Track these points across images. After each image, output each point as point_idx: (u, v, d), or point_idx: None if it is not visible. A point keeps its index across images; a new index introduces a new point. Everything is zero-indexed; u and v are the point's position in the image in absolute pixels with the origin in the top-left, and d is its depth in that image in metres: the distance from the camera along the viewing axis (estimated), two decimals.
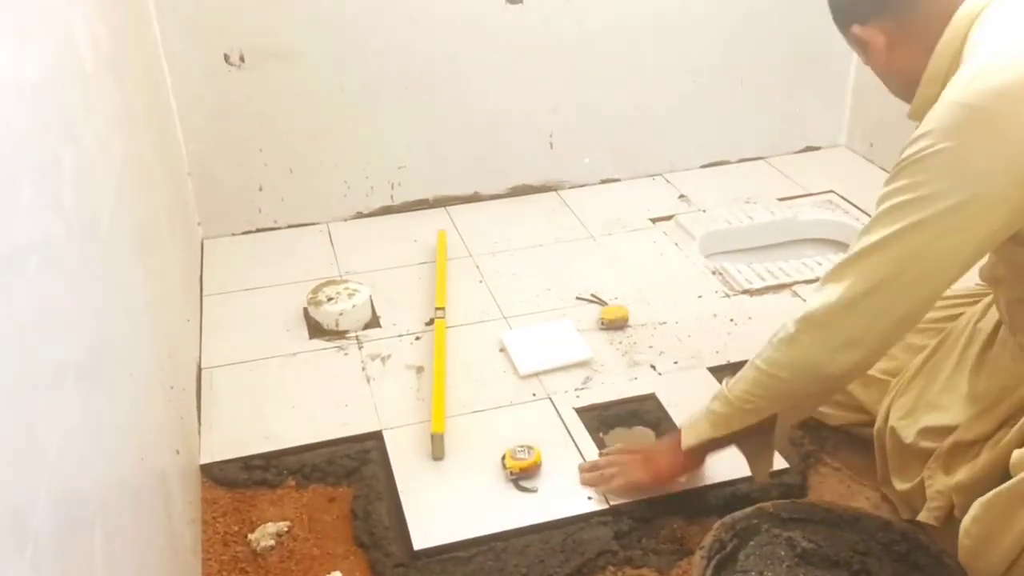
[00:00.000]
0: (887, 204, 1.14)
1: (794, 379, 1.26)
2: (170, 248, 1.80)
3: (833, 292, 1.18)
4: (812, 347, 1.22)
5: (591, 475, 1.56)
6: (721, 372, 1.84)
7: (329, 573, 1.45)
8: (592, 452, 1.64)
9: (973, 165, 1.08)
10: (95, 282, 1.10)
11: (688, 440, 1.43)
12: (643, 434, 1.71)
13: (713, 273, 2.19)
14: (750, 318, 2.00)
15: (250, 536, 1.51)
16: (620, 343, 1.94)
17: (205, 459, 1.65)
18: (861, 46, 1.28)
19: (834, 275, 1.20)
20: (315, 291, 2.03)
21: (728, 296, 2.09)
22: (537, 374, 1.83)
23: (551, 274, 2.20)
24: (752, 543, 1.24)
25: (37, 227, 0.88)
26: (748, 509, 1.27)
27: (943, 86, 1.15)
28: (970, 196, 1.08)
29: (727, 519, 1.26)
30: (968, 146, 1.08)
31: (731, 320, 2.00)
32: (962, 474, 1.26)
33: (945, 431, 1.33)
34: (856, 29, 1.27)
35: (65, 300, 0.94)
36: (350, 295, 2.01)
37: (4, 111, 0.83)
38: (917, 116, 1.20)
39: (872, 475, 1.52)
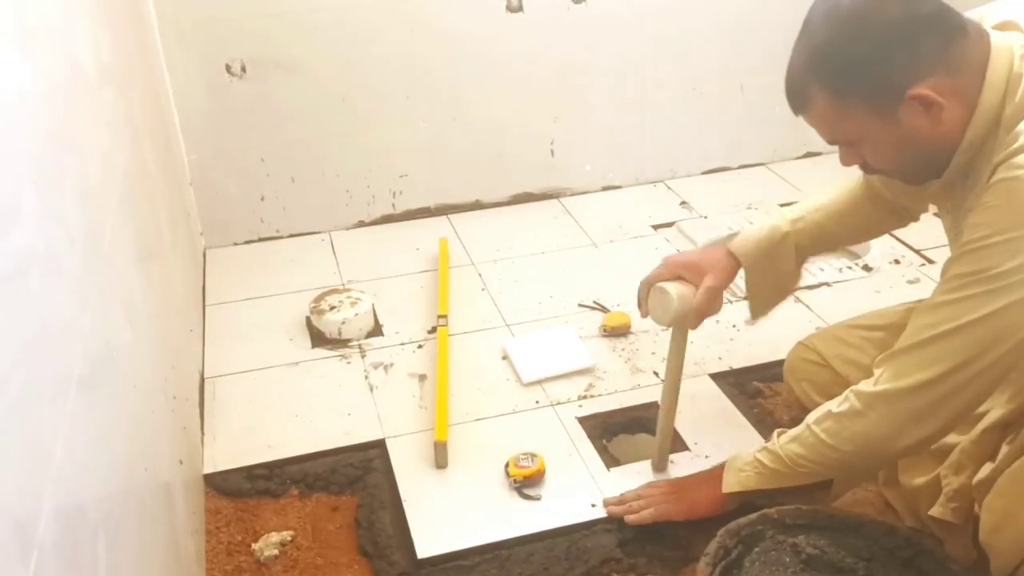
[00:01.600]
0: (965, 287, 1.09)
1: (856, 453, 1.21)
2: (172, 258, 1.80)
3: (908, 371, 1.14)
4: (881, 424, 1.18)
5: (618, 508, 1.50)
6: (724, 378, 1.84)
7: None
8: (595, 459, 1.64)
9: None
10: (98, 293, 1.10)
11: (731, 486, 1.39)
12: (646, 441, 1.71)
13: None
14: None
15: (254, 546, 1.51)
16: (623, 350, 1.94)
17: (208, 469, 1.65)
18: (924, 108, 1.10)
19: (909, 355, 1.15)
20: (317, 300, 2.04)
21: (730, 302, 2.08)
22: (540, 382, 1.83)
23: (553, 281, 2.20)
24: (757, 549, 1.23)
25: (40, 238, 0.88)
26: (752, 515, 1.27)
27: (979, 151, 1.10)
28: None
29: (731, 525, 1.25)
30: None
31: (733, 326, 2.00)
32: (984, 471, 1.22)
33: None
34: (920, 88, 1.09)
35: (68, 311, 0.94)
36: (352, 304, 2.01)
37: (6, 122, 0.83)
38: (940, 184, 1.17)
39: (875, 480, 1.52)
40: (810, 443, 1.25)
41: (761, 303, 1.59)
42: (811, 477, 1.29)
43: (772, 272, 1.52)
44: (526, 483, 1.57)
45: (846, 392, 1.23)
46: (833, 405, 1.24)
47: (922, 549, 1.21)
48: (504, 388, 1.83)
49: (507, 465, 1.59)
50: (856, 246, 2.19)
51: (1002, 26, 1.14)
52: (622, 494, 1.54)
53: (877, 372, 1.19)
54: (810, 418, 1.28)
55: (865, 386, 1.19)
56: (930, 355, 1.12)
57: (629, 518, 1.48)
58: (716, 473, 1.44)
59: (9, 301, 0.75)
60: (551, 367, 1.86)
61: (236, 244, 2.42)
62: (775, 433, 1.37)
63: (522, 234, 2.42)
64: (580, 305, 2.10)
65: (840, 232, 1.54)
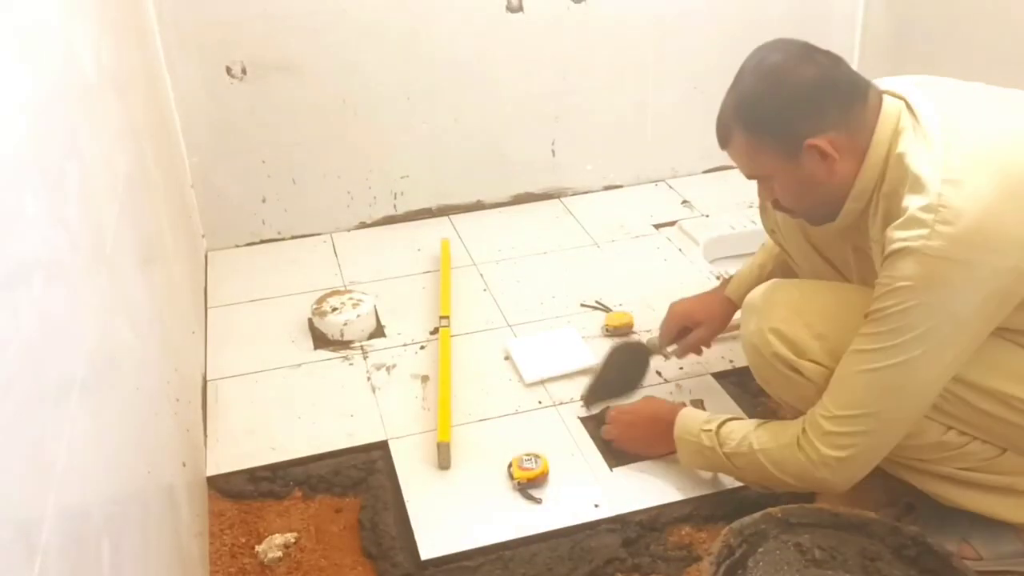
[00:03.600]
0: (871, 348, 1.24)
1: (796, 482, 1.37)
2: (174, 261, 1.80)
3: (843, 433, 1.29)
4: (833, 476, 1.32)
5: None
6: (727, 377, 1.84)
7: None
8: (598, 459, 1.64)
9: (950, 309, 1.19)
10: (100, 296, 1.10)
11: (686, 463, 1.56)
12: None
13: (717, 278, 2.19)
14: None
15: (257, 548, 1.51)
16: None
17: (212, 471, 1.65)
18: (820, 157, 1.26)
19: (826, 437, 1.30)
20: (319, 301, 2.04)
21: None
22: (542, 382, 1.83)
23: (555, 281, 2.20)
24: (761, 549, 1.23)
25: (42, 242, 0.88)
26: (756, 515, 1.27)
27: (869, 201, 1.28)
28: (950, 333, 1.20)
29: (735, 525, 1.25)
30: (946, 295, 1.18)
31: (736, 325, 1.99)
32: None
33: None
34: (818, 140, 1.25)
35: (70, 314, 0.94)
36: (354, 305, 2.01)
37: (7, 126, 0.83)
38: (839, 228, 1.36)
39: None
40: (754, 465, 1.40)
41: None
42: (742, 479, 1.48)
43: None
44: (530, 485, 1.57)
45: (794, 435, 1.35)
46: (788, 453, 1.35)
47: (927, 548, 1.21)
48: (507, 388, 1.83)
49: (510, 467, 1.59)
50: None
51: (893, 95, 1.30)
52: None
53: (818, 424, 1.32)
54: (756, 443, 1.40)
55: (812, 438, 1.32)
56: (862, 417, 1.27)
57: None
58: (668, 430, 1.55)
59: (11, 305, 0.75)
60: (553, 367, 1.86)
61: (238, 246, 2.42)
62: (718, 421, 1.48)
63: (524, 234, 2.42)
64: (582, 305, 2.10)
65: None
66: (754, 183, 1.41)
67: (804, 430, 1.33)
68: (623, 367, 1.81)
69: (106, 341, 1.09)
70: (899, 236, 1.19)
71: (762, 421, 1.45)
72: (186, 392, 1.64)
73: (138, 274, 1.37)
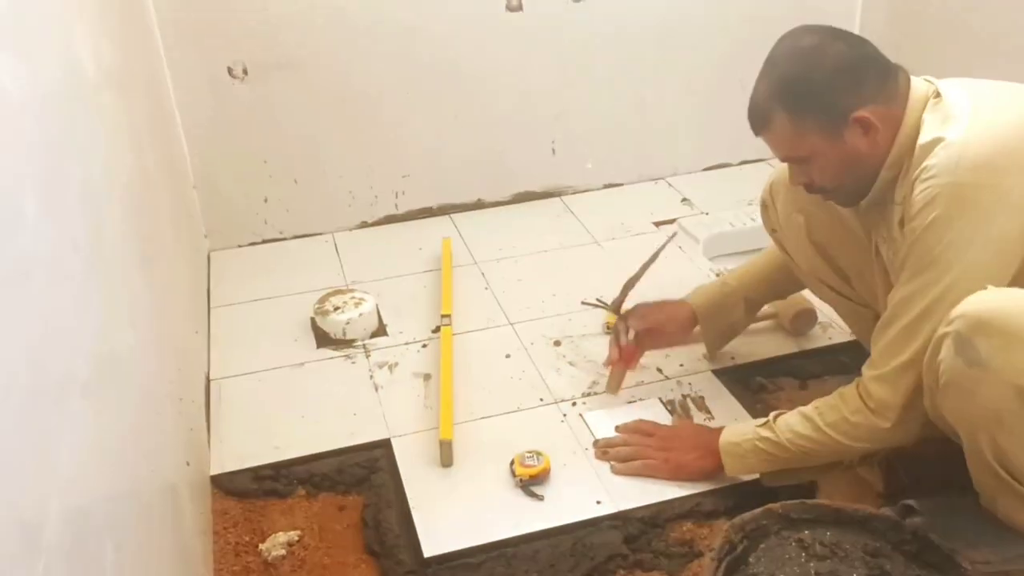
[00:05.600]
0: (911, 293, 1.27)
1: (867, 445, 1.37)
2: (176, 261, 1.81)
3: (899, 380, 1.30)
4: (897, 430, 1.33)
5: (604, 455, 1.63)
6: (727, 374, 1.84)
7: None
8: (594, 453, 1.64)
9: (985, 233, 1.22)
10: (102, 296, 1.10)
11: (736, 471, 1.52)
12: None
13: (717, 275, 2.18)
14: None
15: (261, 546, 1.52)
16: None
17: (215, 470, 1.66)
18: (864, 131, 1.30)
19: (885, 383, 1.32)
20: (322, 301, 2.04)
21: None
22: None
23: (556, 279, 2.20)
24: (763, 545, 1.24)
25: (43, 242, 0.88)
26: (757, 511, 1.27)
27: (899, 169, 1.30)
28: (987, 259, 1.22)
29: (736, 521, 1.26)
30: (978, 218, 1.21)
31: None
32: None
33: None
34: (864, 112, 1.29)
35: (72, 314, 0.95)
36: (356, 304, 2.02)
37: (8, 127, 0.84)
38: (868, 203, 1.39)
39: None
40: (824, 443, 1.38)
41: (713, 344, 1.86)
42: (809, 463, 1.45)
43: (722, 319, 1.81)
44: (532, 482, 1.58)
45: (853, 392, 1.36)
46: (846, 410, 1.36)
47: (928, 543, 1.21)
48: (508, 386, 1.84)
49: (512, 464, 1.60)
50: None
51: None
52: (610, 439, 1.65)
53: (874, 377, 1.33)
54: (819, 421, 1.39)
55: (872, 391, 1.33)
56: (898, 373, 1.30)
57: (617, 467, 1.60)
58: (710, 443, 1.53)
59: (13, 305, 0.76)
60: None
61: (240, 246, 2.42)
62: (772, 417, 1.46)
63: (524, 233, 2.42)
64: (583, 303, 2.10)
65: (783, 281, 1.78)
66: (752, 179, 1.43)
67: (865, 393, 1.34)
68: None
69: (108, 341, 1.09)
70: (925, 180, 1.23)
71: (813, 404, 1.43)
72: (189, 392, 1.64)
73: (140, 274, 1.38)
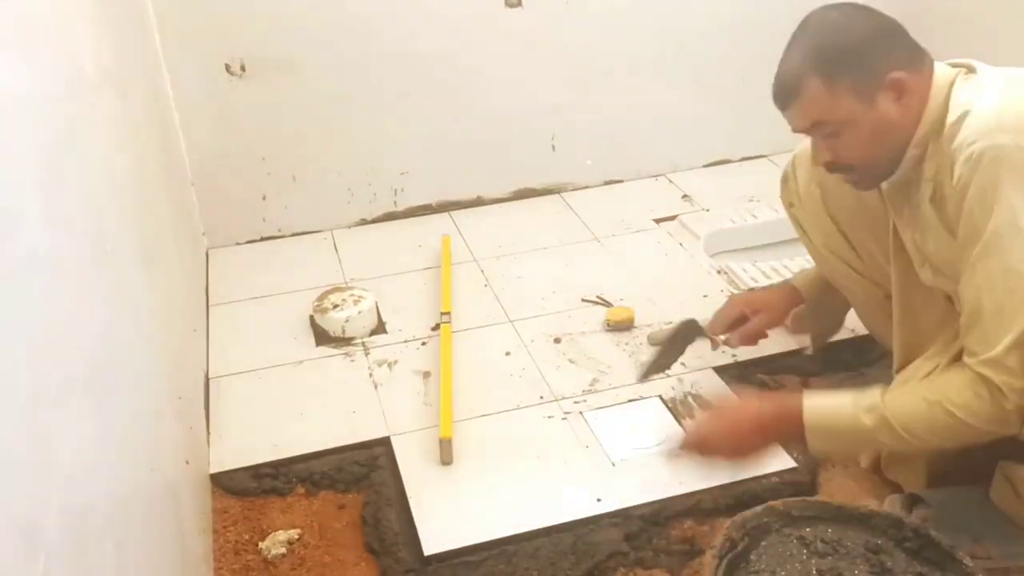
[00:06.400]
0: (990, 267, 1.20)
1: (982, 424, 1.23)
2: (175, 259, 1.81)
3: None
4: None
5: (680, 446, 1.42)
6: (728, 372, 1.84)
7: None
8: (600, 454, 1.64)
9: None
10: (101, 295, 1.10)
11: (819, 449, 1.37)
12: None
13: (718, 272, 2.19)
14: None
15: (261, 544, 1.52)
16: (626, 344, 1.94)
17: (215, 468, 1.65)
18: (897, 96, 1.27)
19: (1001, 368, 1.20)
20: (321, 298, 2.04)
21: (734, 295, 2.08)
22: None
23: (556, 276, 2.20)
24: (764, 543, 1.23)
25: (43, 240, 0.88)
26: (758, 508, 1.27)
27: (925, 147, 1.28)
28: None
29: (737, 518, 1.25)
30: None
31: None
32: None
33: None
34: (899, 73, 1.26)
35: (72, 314, 0.94)
36: (356, 302, 2.01)
37: (8, 126, 0.83)
38: (891, 184, 1.36)
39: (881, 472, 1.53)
40: (953, 427, 1.24)
41: (820, 331, 1.82)
42: (913, 447, 1.31)
43: (830, 303, 1.74)
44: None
45: (977, 383, 1.22)
46: (969, 394, 1.23)
47: (929, 541, 1.21)
48: (507, 384, 1.83)
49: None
50: None
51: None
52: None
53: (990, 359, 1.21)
54: (943, 397, 1.25)
55: (987, 375, 1.21)
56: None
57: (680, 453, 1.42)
58: (791, 419, 1.34)
59: (15, 304, 0.75)
60: (640, 443, 1.67)
61: (239, 244, 2.42)
62: (879, 394, 1.30)
63: (524, 230, 2.42)
64: (583, 300, 2.10)
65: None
66: (752, 175, 1.43)
67: (979, 379, 1.22)
68: (676, 343, 1.77)
69: (107, 340, 1.09)
70: (964, 150, 1.20)
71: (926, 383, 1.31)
72: (188, 390, 1.64)
73: (139, 273, 1.37)
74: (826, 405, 1.33)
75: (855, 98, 1.28)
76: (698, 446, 1.39)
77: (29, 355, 0.77)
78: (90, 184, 1.14)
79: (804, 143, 1.53)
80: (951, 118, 1.25)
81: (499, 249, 2.33)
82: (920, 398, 1.27)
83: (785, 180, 1.68)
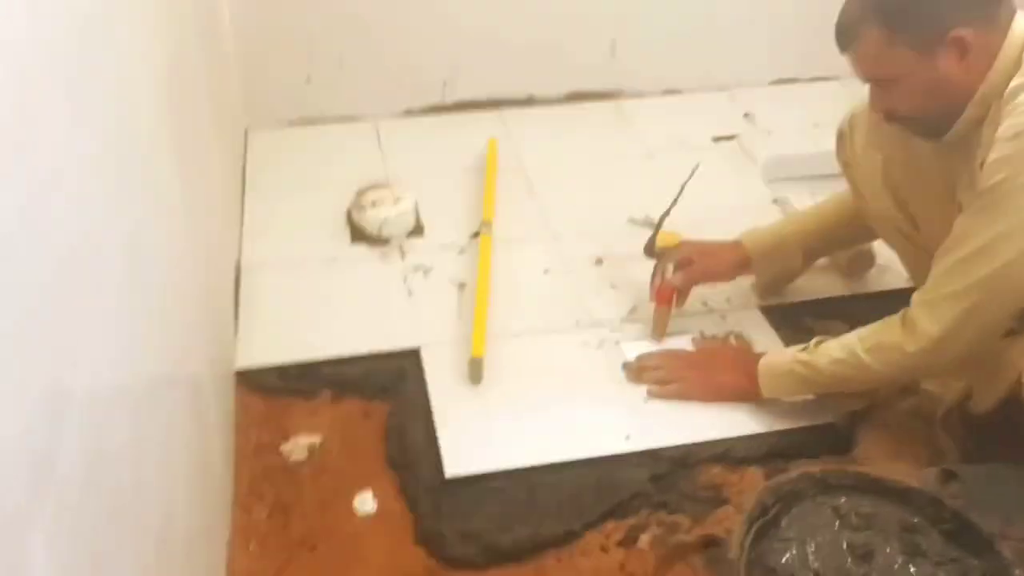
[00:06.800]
0: (980, 228, 1.23)
1: (903, 375, 1.41)
2: (212, 146, 1.74)
3: (943, 315, 1.28)
4: (927, 358, 1.33)
5: (639, 376, 1.59)
6: (774, 314, 1.77)
7: (360, 491, 1.44)
8: (632, 390, 1.59)
9: None
10: (136, 193, 1.04)
11: (772, 391, 1.50)
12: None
13: (773, 202, 2.09)
14: None
15: (282, 447, 1.50)
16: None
17: (241, 364, 1.63)
18: (959, 54, 1.22)
19: (928, 308, 1.29)
20: (360, 195, 1.97)
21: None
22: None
23: (604, 191, 2.11)
24: (796, 509, 1.19)
25: (74, 137, 0.82)
26: (793, 474, 1.23)
27: (987, 108, 1.22)
28: None
29: (772, 483, 1.21)
30: None
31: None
32: None
33: None
34: (963, 32, 1.21)
35: (104, 218, 0.89)
36: (395, 201, 1.95)
37: (38, 14, 0.76)
38: (949, 138, 1.31)
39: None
40: (857, 366, 1.37)
41: (765, 289, 1.79)
42: (842, 389, 1.46)
43: (777, 266, 1.74)
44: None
45: (897, 320, 1.34)
46: (884, 334, 1.35)
47: (968, 524, 1.16)
48: (544, 305, 1.78)
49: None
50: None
51: None
52: (639, 358, 1.61)
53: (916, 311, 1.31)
54: (857, 345, 1.37)
55: (914, 315, 1.31)
56: (941, 313, 1.27)
57: (653, 390, 1.57)
58: (748, 364, 1.52)
59: (44, 210, 0.70)
60: None
61: (279, 125, 2.34)
62: (813, 343, 1.45)
63: (575, 138, 2.32)
64: (630, 221, 2.01)
65: (848, 236, 1.74)
66: (822, 98, 1.40)
67: (906, 316, 1.33)
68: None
69: (139, 238, 1.04)
70: (1011, 116, 1.18)
71: (856, 330, 1.41)
72: (219, 282, 1.60)
73: (174, 163, 1.31)
74: (778, 351, 1.52)
75: (913, 52, 1.24)
76: (669, 361, 1.60)
77: (59, 267, 0.72)
78: (125, 74, 1.07)
79: (862, 100, 1.47)
80: (1016, 79, 1.20)
81: (547, 157, 2.24)
82: (841, 341, 1.39)
83: (841, 138, 1.60)
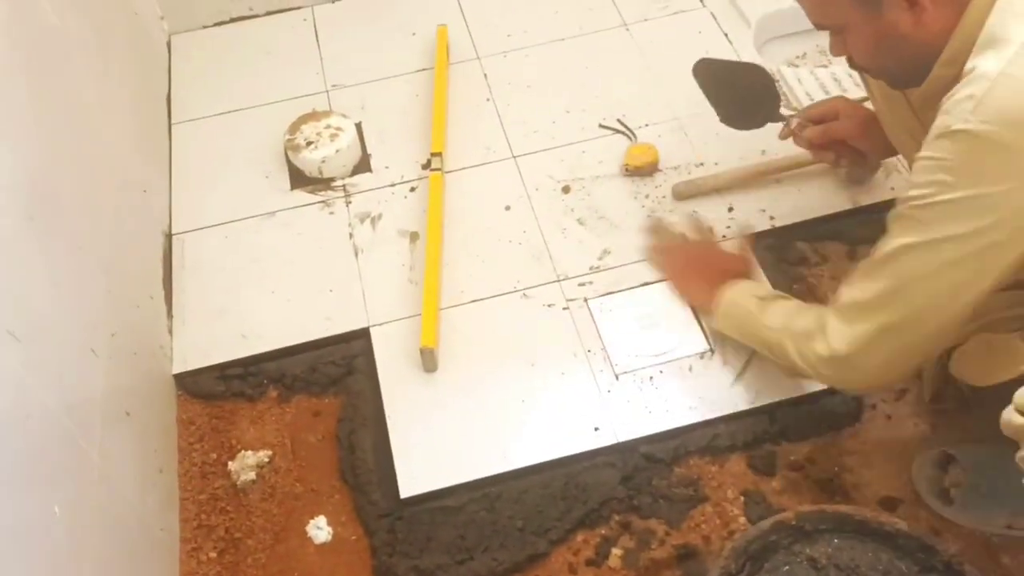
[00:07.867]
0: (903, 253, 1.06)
1: (806, 368, 1.23)
2: (120, 64, 1.49)
3: (858, 338, 1.13)
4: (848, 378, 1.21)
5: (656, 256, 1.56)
6: (764, 239, 1.57)
7: (313, 517, 1.36)
8: (605, 364, 1.44)
9: (991, 203, 0.97)
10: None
11: (715, 322, 1.43)
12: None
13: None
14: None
15: (230, 465, 1.41)
16: (646, 197, 1.65)
17: (178, 367, 1.50)
18: (907, 3, 1.03)
19: (859, 317, 1.13)
20: (293, 130, 1.74)
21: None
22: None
23: (572, 85, 1.84)
24: (768, 564, 1.07)
25: None
26: (765, 524, 1.09)
27: (960, 68, 1.00)
28: (992, 238, 0.99)
29: (739, 542, 1.08)
30: (983, 185, 0.97)
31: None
32: None
33: None
34: None
35: None
36: (332, 137, 1.72)
37: None
38: (923, 99, 1.13)
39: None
40: (778, 347, 1.27)
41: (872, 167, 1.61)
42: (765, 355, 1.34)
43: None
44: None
45: (813, 322, 1.20)
46: (804, 322, 1.22)
47: (962, 574, 1.04)
48: (505, 255, 1.59)
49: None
50: None
51: None
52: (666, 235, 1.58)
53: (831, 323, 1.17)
54: (785, 325, 1.26)
55: (831, 340, 1.16)
56: (861, 319, 1.13)
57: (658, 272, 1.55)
58: (720, 283, 1.40)
59: None
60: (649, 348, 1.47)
61: (205, 27, 2.06)
62: (773, 294, 1.35)
63: (538, 10, 2.00)
64: (601, 126, 1.77)
65: None
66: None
67: (823, 315, 1.18)
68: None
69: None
70: (945, 113, 0.99)
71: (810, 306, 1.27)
72: (146, 259, 1.44)
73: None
74: (748, 287, 1.38)
75: (855, 2, 1.07)
76: (664, 254, 1.55)
77: None
78: None
79: None
80: (972, 61, 0.99)
81: (507, 41, 1.95)
82: (784, 310, 1.28)
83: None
